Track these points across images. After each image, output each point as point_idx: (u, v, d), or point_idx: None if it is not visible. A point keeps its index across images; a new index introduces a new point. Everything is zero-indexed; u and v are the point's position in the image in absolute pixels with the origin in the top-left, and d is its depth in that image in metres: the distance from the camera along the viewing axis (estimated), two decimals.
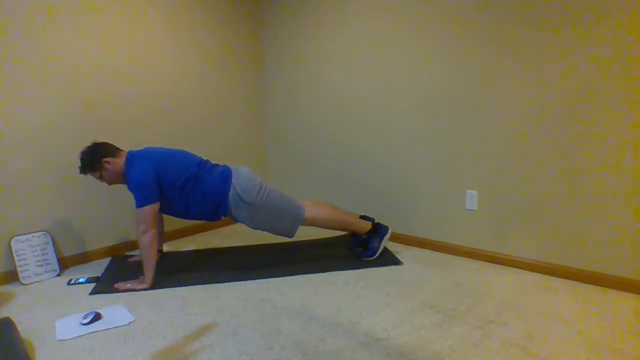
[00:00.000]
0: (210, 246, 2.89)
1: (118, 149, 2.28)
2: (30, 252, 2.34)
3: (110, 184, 2.28)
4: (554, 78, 2.16)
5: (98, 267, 2.52)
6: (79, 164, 2.23)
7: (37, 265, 2.34)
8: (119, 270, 2.43)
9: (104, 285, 2.22)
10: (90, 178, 2.58)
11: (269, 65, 3.55)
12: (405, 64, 2.71)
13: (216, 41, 3.22)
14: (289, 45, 3.36)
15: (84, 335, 1.73)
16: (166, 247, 2.86)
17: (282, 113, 3.51)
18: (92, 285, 2.25)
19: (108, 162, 2.20)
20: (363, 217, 2.57)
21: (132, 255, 2.67)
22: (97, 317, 1.84)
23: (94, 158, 2.19)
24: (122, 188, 2.73)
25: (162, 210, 2.27)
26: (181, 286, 2.19)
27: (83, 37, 2.51)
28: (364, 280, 2.24)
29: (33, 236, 2.37)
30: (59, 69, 2.43)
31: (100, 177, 2.23)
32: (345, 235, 2.94)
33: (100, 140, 2.58)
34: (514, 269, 2.38)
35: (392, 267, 2.42)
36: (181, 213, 2.30)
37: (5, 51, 2.24)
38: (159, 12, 2.86)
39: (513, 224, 2.39)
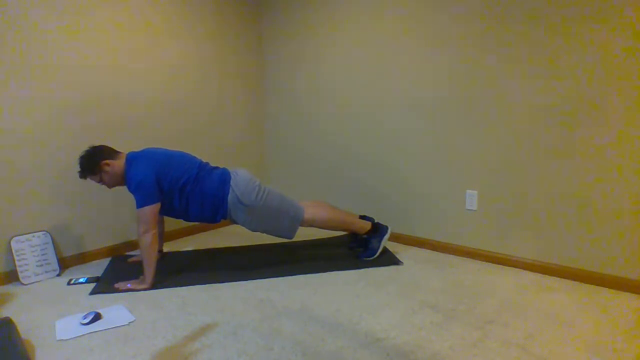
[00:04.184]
0: (210, 246, 2.89)
1: (116, 151, 2.28)
2: (30, 252, 2.34)
3: (110, 186, 2.27)
4: (555, 79, 2.16)
5: (98, 267, 2.52)
6: (78, 169, 2.23)
7: (37, 265, 2.34)
8: (119, 270, 2.43)
9: (104, 285, 2.22)
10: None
11: (268, 65, 3.55)
12: (405, 64, 2.70)
13: (216, 41, 3.22)
14: (288, 46, 3.36)
15: (84, 335, 1.73)
16: (166, 247, 2.86)
17: (281, 114, 3.51)
18: (92, 285, 2.25)
19: (108, 164, 2.20)
20: (363, 217, 2.57)
21: (132, 255, 2.67)
22: (97, 317, 1.84)
23: (93, 161, 2.18)
24: (122, 188, 2.72)
25: (162, 211, 2.26)
26: (181, 286, 2.19)
27: (83, 37, 2.51)
28: (364, 280, 2.24)
29: (33, 236, 2.37)
30: (58, 69, 2.43)
31: (101, 180, 2.23)
32: (345, 235, 2.94)
33: (98, 142, 2.58)
34: (514, 269, 2.38)
35: (392, 267, 2.42)
36: (181, 214, 2.30)
37: (5, 51, 2.24)
38: (158, 12, 2.86)
39: (513, 224, 2.39)
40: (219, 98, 3.29)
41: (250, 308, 1.95)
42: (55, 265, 2.41)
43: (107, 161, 2.20)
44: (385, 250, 2.61)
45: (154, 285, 2.18)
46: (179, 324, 1.81)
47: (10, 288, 2.24)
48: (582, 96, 2.09)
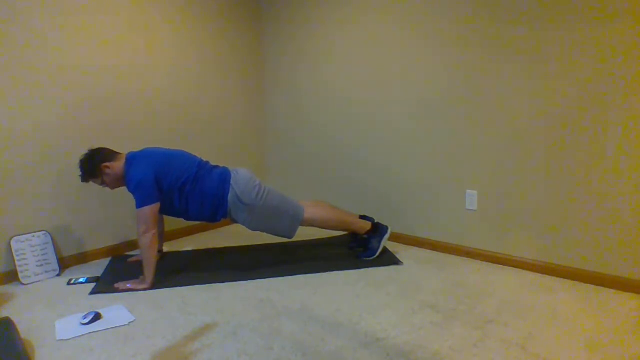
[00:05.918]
0: (210, 246, 2.89)
1: (116, 152, 2.28)
2: (30, 252, 2.34)
3: (113, 188, 2.29)
4: (555, 78, 2.16)
5: (98, 267, 2.52)
6: (79, 173, 2.24)
7: (37, 265, 2.34)
8: (119, 270, 2.43)
9: (104, 285, 2.22)
10: None
11: (269, 65, 3.55)
12: (406, 64, 2.70)
13: (216, 41, 3.22)
14: (289, 45, 3.36)
15: (84, 335, 1.73)
16: (166, 247, 2.86)
17: (282, 113, 3.51)
18: (92, 285, 2.25)
19: (108, 167, 2.20)
20: (363, 217, 2.57)
21: (132, 255, 2.67)
22: (97, 317, 1.84)
23: (94, 165, 2.19)
24: (122, 188, 2.72)
25: (162, 211, 2.27)
26: (181, 286, 2.19)
27: (83, 37, 2.51)
28: (364, 280, 2.24)
29: (33, 236, 2.37)
30: (59, 69, 2.43)
31: (103, 183, 2.25)
32: (345, 235, 2.94)
33: (99, 142, 2.59)
34: (514, 269, 2.37)
35: (392, 267, 2.42)
36: (180, 214, 2.30)
37: (5, 51, 2.24)
38: (159, 12, 2.86)
39: (513, 224, 2.39)
40: (219, 98, 3.29)
41: (250, 308, 1.95)
42: (55, 265, 2.41)
43: (107, 164, 2.20)
44: (385, 250, 2.61)
45: (154, 285, 2.18)
46: (179, 324, 1.81)
47: (10, 288, 2.25)
48: (582, 96, 2.09)
